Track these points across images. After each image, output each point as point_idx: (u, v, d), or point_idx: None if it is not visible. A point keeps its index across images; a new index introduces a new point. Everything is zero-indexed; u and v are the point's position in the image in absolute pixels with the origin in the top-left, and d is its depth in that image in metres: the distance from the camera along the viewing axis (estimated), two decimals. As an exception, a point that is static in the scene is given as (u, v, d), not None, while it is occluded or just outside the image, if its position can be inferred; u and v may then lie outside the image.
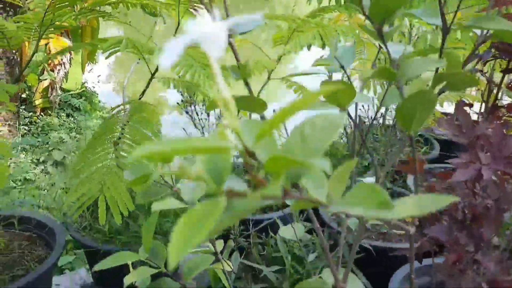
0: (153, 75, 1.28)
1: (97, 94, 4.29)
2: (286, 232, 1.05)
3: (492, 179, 0.78)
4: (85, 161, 1.11)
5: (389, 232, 1.64)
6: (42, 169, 3.36)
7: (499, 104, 1.06)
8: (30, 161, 3.26)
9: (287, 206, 1.78)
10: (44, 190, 3.05)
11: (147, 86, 1.30)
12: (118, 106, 1.27)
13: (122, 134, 1.15)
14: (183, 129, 1.41)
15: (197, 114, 1.34)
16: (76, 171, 1.11)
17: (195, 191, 0.65)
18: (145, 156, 0.21)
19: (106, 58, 1.19)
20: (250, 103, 0.48)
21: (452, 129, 0.84)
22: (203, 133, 1.36)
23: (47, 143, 3.48)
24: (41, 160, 3.39)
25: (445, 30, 0.49)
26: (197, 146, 0.21)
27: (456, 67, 0.50)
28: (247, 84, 0.55)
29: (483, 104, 1.01)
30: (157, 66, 1.26)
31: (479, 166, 0.76)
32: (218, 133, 0.23)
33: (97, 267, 0.55)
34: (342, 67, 0.57)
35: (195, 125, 1.35)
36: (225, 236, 1.44)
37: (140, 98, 1.30)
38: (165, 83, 1.27)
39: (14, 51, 2.71)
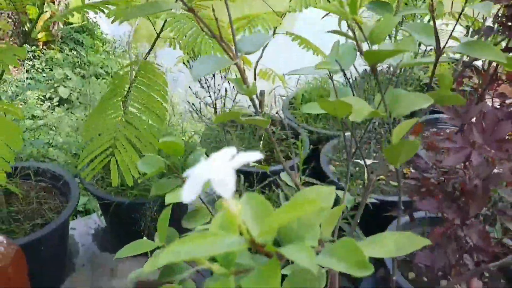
0: (158, 35, 1.29)
1: (99, 25, 4.22)
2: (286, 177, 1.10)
3: (483, 160, 0.83)
4: (96, 124, 1.16)
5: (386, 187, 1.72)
6: (49, 106, 3.41)
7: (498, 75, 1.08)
8: (36, 97, 3.30)
9: (290, 158, 1.85)
10: (52, 128, 3.12)
11: (152, 46, 1.32)
12: (126, 66, 1.29)
13: (129, 96, 1.19)
14: (189, 87, 1.44)
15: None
16: (87, 134, 1.16)
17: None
18: (166, 262, 0.26)
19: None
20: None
21: (449, 112, 0.87)
22: (208, 91, 1.39)
23: (52, 79, 3.49)
24: (47, 96, 3.42)
25: (438, 53, 0.51)
26: (212, 252, 0.26)
27: (447, 87, 0.53)
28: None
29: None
30: (162, 27, 1.27)
31: (470, 151, 0.81)
32: (226, 222, 0.28)
33: (119, 255, 0.62)
34: (343, 70, 0.60)
35: (200, 84, 1.38)
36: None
37: (145, 58, 1.32)
38: (171, 44, 1.28)
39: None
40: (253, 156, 0.26)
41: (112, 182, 1.14)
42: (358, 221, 0.63)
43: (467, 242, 0.92)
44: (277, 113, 1.71)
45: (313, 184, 1.55)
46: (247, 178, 1.47)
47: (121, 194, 1.43)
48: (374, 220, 1.38)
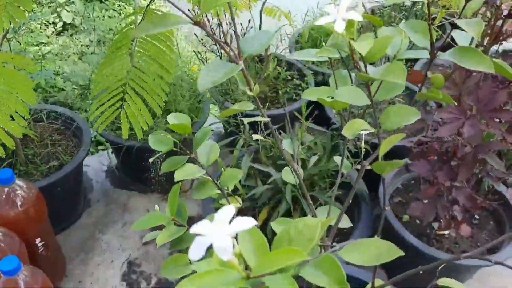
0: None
1: None
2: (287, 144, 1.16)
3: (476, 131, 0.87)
4: (104, 78, 1.19)
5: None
6: (53, 31, 3.37)
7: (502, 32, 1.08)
8: (39, 22, 3.27)
9: (296, 100, 1.87)
10: (57, 55, 3.12)
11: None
12: (130, 14, 1.29)
13: (135, 48, 1.21)
14: (195, 34, 1.44)
15: (208, 21, 1.36)
16: (96, 89, 1.20)
17: (209, 154, 0.76)
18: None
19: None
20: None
21: (447, 82, 0.90)
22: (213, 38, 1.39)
23: (54, 1, 3.42)
24: (50, 21, 3.38)
25: (432, 56, 0.54)
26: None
27: (439, 85, 0.56)
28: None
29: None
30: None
31: (463, 122, 0.84)
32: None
33: (136, 228, 0.69)
34: (342, 58, 0.63)
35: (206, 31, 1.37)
36: (234, 133, 1.58)
37: (149, 4, 1.31)
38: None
39: None
40: (250, 223, 0.31)
41: (122, 134, 1.20)
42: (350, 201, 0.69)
43: (455, 201, 0.99)
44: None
45: (314, 130, 1.60)
46: (251, 124, 1.51)
47: (131, 138, 1.49)
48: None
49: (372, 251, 0.44)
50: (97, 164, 1.87)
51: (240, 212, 1.46)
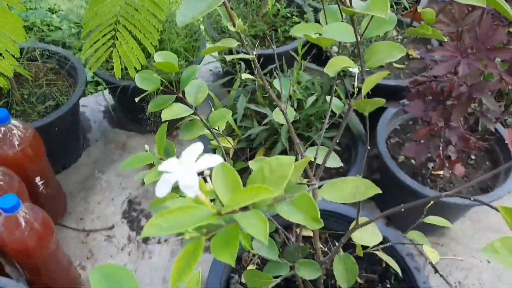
0: None
1: None
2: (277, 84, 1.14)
3: (472, 69, 0.84)
4: (95, 15, 1.15)
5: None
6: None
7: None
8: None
9: (295, 39, 1.82)
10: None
11: None
12: None
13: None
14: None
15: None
16: (87, 26, 1.17)
17: (197, 93, 0.76)
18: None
19: None
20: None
21: (446, 17, 0.86)
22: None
23: None
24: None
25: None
26: (188, 226, 0.32)
27: (429, 21, 0.54)
28: None
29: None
30: None
31: (459, 60, 0.82)
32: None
33: (123, 167, 0.70)
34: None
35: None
36: (230, 73, 1.56)
37: None
38: None
39: None
40: (216, 161, 0.30)
41: (115, 73, 1.18)
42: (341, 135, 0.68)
43: (449, 141, 0.99)
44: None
45: (312, 69, 1.57)
46: (247, 63, 1.49)
47: (126, 78, 1.47)
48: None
49: (349, 190, 0.44)
50: (95, 104, 1.87)
51: (235, 154, 1.47)
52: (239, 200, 0.33)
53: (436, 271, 0.78)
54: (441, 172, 1.44)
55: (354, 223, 0.67)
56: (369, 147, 0.77)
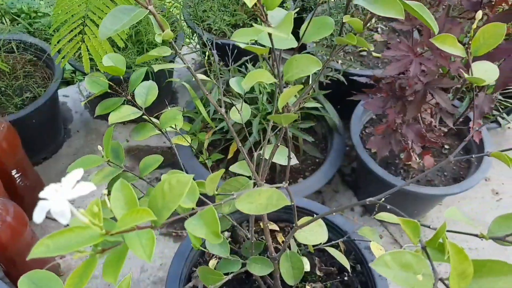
0: None
1: None
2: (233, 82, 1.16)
3: (427, 67, 0.85)
4: (63, 8, 1.15)
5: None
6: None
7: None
8: None
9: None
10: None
11: None
12: None
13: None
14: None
15: None
16: (57, 19, 1.17)
17: (147, 95, 0.77)
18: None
19: None
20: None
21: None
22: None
23: None
24: None
25: (348, 0, 0.52)
26: (76, 247, 0.34)
27: (358, 29, 0.55)
28: None
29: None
30: None
31: (411, 60, 0.82)
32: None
33: (71, 169, 0.71)
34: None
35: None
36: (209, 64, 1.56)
37: None
38: None
39: None
40: (88, 188, 0.32)
41: (84, 68, 1.19)
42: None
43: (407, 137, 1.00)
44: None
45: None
46: (222, 54, 1.49)
47: (96, 69, 1.48)
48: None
49: (262, 201, 0.46)
50: (76, 95, 1.88)
51: (210, 145, 1.48)
52: (126, 223, 0.34)
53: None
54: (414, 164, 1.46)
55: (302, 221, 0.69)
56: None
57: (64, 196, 0.31)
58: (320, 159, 1.53)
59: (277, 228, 1.05)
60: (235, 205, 0.47)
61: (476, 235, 0.49)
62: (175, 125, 0.82)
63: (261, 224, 1.07)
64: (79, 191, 0.32)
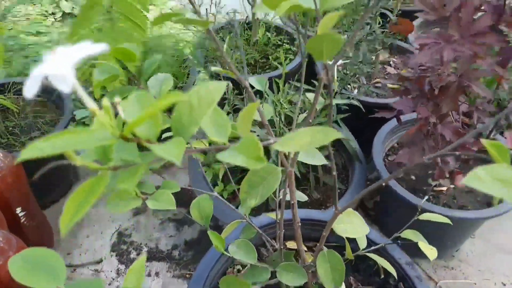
0: None
1: None
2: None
3: (463, 55, 0.79)
4: (77, 35, 1.14)
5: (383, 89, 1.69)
6: (53, 22, 3.36)
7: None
8: (39, 13, 3.25)
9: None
10: (57, 43, 3.10)
11: None
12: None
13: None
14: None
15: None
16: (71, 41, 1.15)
17: (163, 84, 0.71)
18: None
19: None
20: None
21: (426, 7, 0.82)
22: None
23: (53, -8, 3.40)
24: (49, 12, 3.36)
25: None
26: (78, 146, 0.27)
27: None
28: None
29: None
30: None
31: (442, 47, 0.77)
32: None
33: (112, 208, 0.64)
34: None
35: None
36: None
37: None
38: None
39: None
40: (98, 48, 0.25)
41: (93, 94, 1.15)
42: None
43: (443, 138, 0.92)
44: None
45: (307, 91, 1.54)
46: (235, 85, 1.46)
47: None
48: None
49: (306, 139, 0.39)
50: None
51: (226, 174, 1.41)
52: (145, 115, 0.27)
53: None
54: (444, 188, 1.37)
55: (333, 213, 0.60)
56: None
57: (67, 57, 0.24)
58: (341, 190, 1.45)
59: (305, 248, 0.94)
60: (274, 147, 0.40)
61: None
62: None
63: (287, 244, 0.96)
64: (87, 50, 0.25)
